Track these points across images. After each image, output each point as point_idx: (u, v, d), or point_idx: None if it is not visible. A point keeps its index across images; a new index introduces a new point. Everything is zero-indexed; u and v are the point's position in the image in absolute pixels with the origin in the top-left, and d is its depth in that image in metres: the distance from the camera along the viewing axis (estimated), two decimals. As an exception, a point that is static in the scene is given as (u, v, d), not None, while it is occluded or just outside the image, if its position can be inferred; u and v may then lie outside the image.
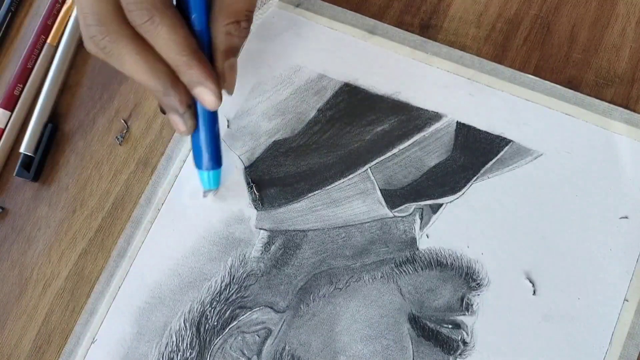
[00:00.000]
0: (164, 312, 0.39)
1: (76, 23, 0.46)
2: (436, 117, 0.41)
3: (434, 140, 0.40)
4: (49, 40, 0.46)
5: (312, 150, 0.41)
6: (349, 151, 0.41)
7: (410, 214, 0.39)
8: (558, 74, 0.41)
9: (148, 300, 0.40)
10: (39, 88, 0.45)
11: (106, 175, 0.43)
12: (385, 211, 0.39)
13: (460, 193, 0.39)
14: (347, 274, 0.39)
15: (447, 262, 0.38)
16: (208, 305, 0.39)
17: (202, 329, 0.39)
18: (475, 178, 0.39)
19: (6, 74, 0.47)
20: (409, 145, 0.40)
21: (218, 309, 0.39)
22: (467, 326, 0.37)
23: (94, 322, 0.40)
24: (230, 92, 0.37)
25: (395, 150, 0.40)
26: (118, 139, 0.44)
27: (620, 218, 0.37)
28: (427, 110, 0.41)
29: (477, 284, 0.37)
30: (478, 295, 0.37)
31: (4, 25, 0.48)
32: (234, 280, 0.39)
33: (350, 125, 0.41)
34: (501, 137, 0.40)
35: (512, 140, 0.39)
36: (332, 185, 0.40)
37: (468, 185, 0.39)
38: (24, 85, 0.45)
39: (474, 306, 0.37)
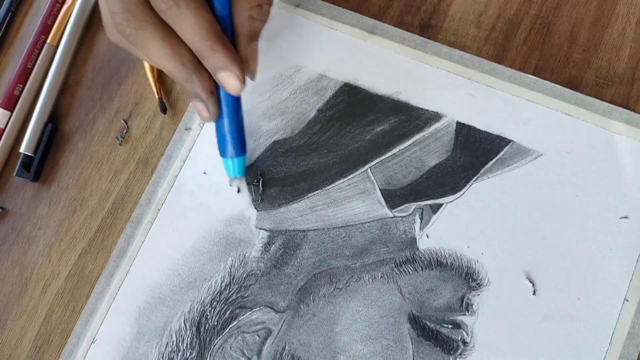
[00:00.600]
0: (164, 312, 0.39)
1: (76, 23, 0.46)
2: (436, 117, 0.41)
3: (434, 140, 0.40)
4: (49, 40, 0.46)
5: (312, 150, 0.41)
6: (349, 151, 0.41)
7: (410, 214, 0.39)
8: (558, 74, 0.41)
9: (148, 300, 0.40)
10: (39, 88, 0.45)
11: (106, 175, 0.43)
12: (385, 211, 0.39)
13: (460, 193, 0.39)
14: (347, 274, 0.39)
15: (447, 262, 0.38)
16: (208, 305, 0.39)
17: (202, 329, 0.39)
18: (475, 178, 0.39)
19: (6, 74, 0.47)
20: (409, 145, 0.40)
21: (218, 309, 0.39)
22: (467, 326, 0.37)
23: (94, 322, 0.40)
24: (252, 77, 0.37)
25: (395, 150, 0.40)
26: (118, 139, 0.44)
27: (620, 218, 0.37)
28: (427, 110, 0.41)
29: (477, 284, 0.37)
30: (478, 295, 0.37)
31: (4, 25, 0.48)
32: (234, 280, 0.39)
33: (350, 125, 0.41)
34: (501, 137, 0.40)
35: (512, 140, 0.39)
36: (332, 185, 0.40)
37: (468, 185, 0.39)
38: (24, 85, 0.45)
39: (474, 306, 0.37)
